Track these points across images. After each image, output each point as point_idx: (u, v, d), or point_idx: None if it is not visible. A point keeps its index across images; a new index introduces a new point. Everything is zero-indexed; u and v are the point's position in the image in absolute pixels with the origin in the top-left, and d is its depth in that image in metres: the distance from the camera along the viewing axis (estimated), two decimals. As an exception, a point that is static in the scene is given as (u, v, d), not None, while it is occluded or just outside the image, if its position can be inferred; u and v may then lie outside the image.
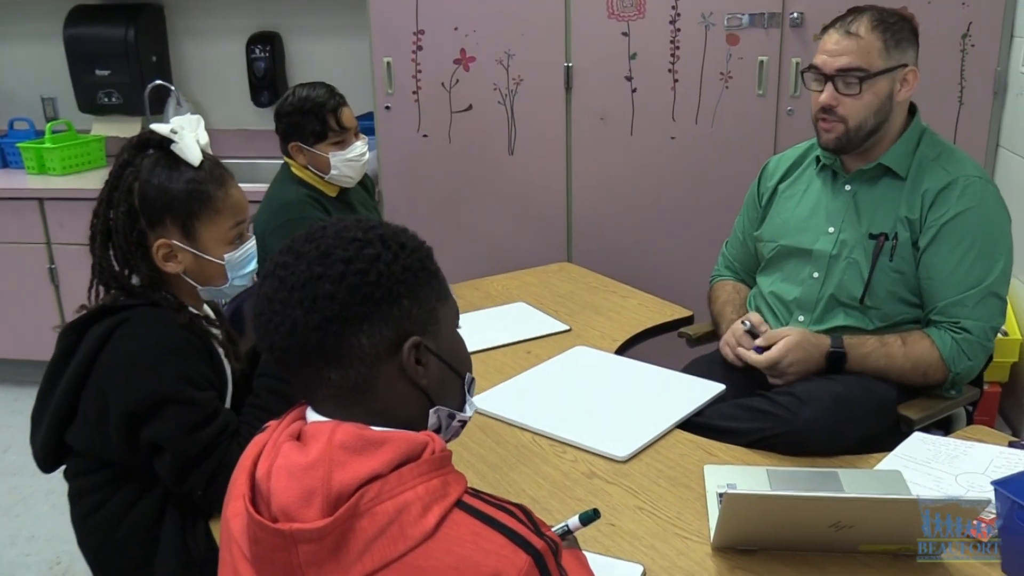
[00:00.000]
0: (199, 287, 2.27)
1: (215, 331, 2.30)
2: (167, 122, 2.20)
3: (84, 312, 2.19)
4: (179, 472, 2.10)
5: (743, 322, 2.72)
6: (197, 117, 2.25)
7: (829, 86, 2.60)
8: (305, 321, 1.36)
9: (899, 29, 2.58)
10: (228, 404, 2.31)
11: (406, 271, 1.40)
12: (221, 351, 2.30)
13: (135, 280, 2.19)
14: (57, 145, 5.20)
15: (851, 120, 2.60)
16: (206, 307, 2.39)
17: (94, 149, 5.37)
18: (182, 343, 2.15)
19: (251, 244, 2.33)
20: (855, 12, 2.61)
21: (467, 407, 1.57)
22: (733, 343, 2.75)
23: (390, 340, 1.39)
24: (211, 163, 2.22)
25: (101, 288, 2.21)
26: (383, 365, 1.40)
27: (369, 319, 1.37)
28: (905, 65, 2.59)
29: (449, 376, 1.50)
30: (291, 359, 1.41)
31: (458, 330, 1.55)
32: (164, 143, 2.17)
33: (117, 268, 2.18)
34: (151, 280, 2.18)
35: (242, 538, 1.38)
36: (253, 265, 2.33)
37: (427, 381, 1.45)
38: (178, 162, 2.17)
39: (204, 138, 2.23)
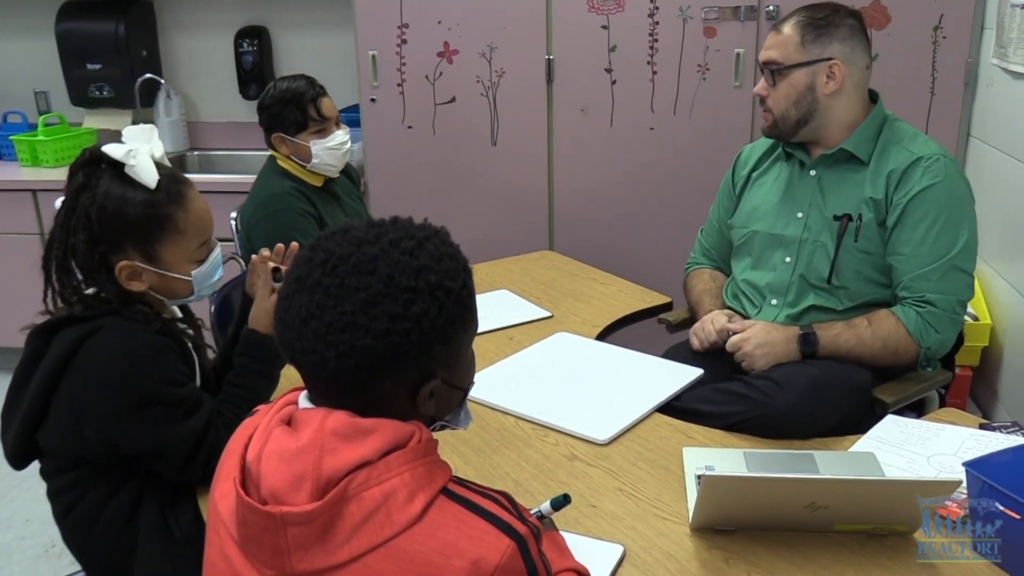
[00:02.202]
0: (166, 300, 2.21)
1: (186, 329, 2.26)
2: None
3: (51, 317, 2.12)
4: (178, 468, 2.08)
5: (729, 332, 2.72)
6: (151, 127, 2.14)
7: (763, 78, 2.72)
8: (336, 365, 1.31)
9: (824, 24, 2.62)
10: None
11: (447, 324, 1.35)
12: (191, 345, 2.26)
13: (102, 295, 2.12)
14: (50, 138, 5.16)
15: (775, 110, 2.71)
16: (175, 308, 2.33)
17: (86, 142, 5.30)
18: (157, 346, 2.08)
19: (216, 254, 2.24)
20: (797, 10, 2.69)
21: (463, 417, 1.55)
22: (703, 337, 2.78)
23: (413, 381, 1.37)
24: (168, 180, 2.11)
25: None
26: (399, 398, 1.38)
27: (399, 368, 1.34)
28: (829, 59, 2.62)
29: (454, 394, 1.49)
30: (308, 376, 1.40)
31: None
32: (118, 163, 2.06)
33: (81, 286, 2.11)
34: (118, 297, 2.09)
35: (230, 520, 1.37)
36: (219, 274, 2.27)
37: (434, 410, 1.45)
38: (134, 183, 2.06)
39: (159, 151, 2.12)
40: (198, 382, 2.27)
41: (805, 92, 2.64)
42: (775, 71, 2.65)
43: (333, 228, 1.41)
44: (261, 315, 2.33)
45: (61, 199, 2.10)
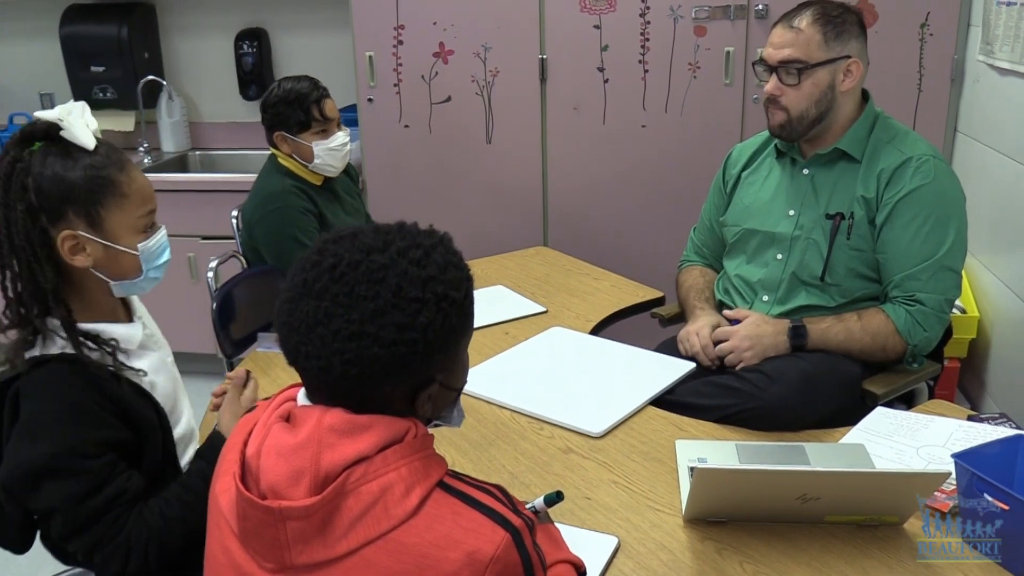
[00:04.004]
0: (112, 282, 1.96)
1: (119, 357, 1.96)
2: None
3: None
4: (62, 537, 1.85)
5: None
6: (82, 104, 1.91)
7: (774, 77, 2.64)
8: (342, 372, 1.30)
9: (841, 22, 2.58)
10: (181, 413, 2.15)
11: (449, 332, 1.36)
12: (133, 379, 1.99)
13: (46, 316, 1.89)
14: (54, 139, 5.12)
15: (792, 110, 2.63)
16: (121, 305, 2.09)
17: (90, 142, 5.30)
18: (78, 407, 1.84)
19: (163, 233, 2.01)
20: (802, 6, 2.63)
21: (456, 415, 1.55)
22: (690, 345, 2.73)
23: (413, 386, 1.37)
24: (107, 147, 1.91)
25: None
26: (398, 402, 1.38)
27: (401, 375, 1.34)
28: (848, 56, 2.59)
29: (449, 396, 1.49)
30: (310, 380, 1.39)
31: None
32: (51, 132, 1.85)
33: (22, 289, 1.87)
34: (55, 286, 1.86)
35: (230, 513, 1.38)
36: (167, 256, 2.03)
37: (431, 412, 1.46)
38: (71, 149, 1.86)
39: (93, 123, 1.91)
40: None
41: (827, 90, 2.60)
42: (801, 70, 2.57)
43: (339, 232, 1.39)
44: (229, 419, 2.05)
45: None
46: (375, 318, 1.29)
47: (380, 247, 1.34)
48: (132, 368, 1.97)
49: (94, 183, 1.86)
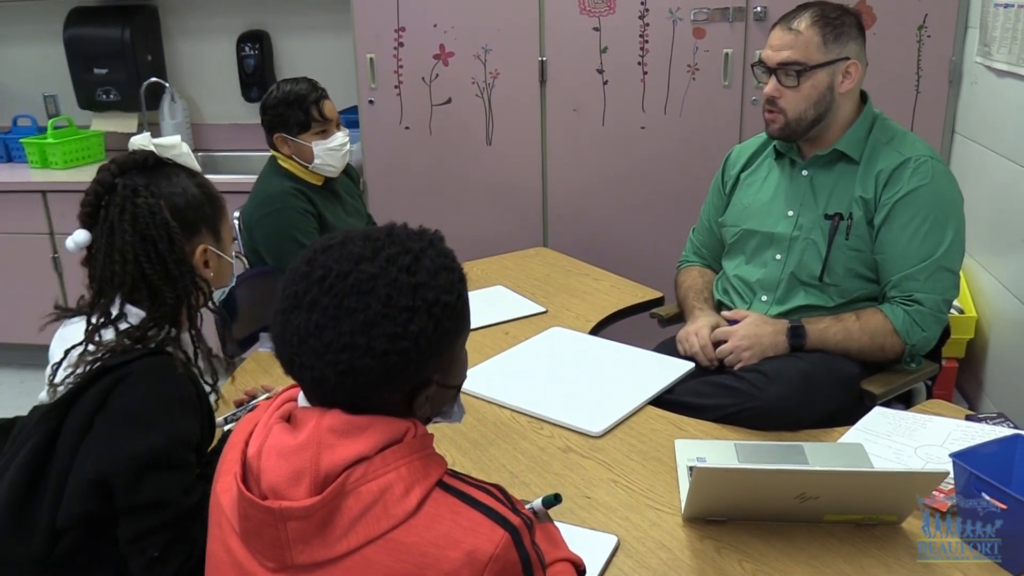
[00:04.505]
0: (215, 290, 2.09)
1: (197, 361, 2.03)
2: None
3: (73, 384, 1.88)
4: (146, 533, 1.79)
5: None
6: (177, 138, 2.05)
7: (773, 79, 2.63)
8: (336, 382, 1.31)
9: (840, 24, 2.57)
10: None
11: (443, 336, 1.35)
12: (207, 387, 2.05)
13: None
14: (59, 140, 5.15)
15: (790, 111, 2.62)
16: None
17: (94, 144, 5.32)
18: (185, 399, 1.88)
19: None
20: (801, 8, 2.61)
21: (456, 410, 1.55)
22: (689, 345, 2.72)
23: (409, 389, 1.38)
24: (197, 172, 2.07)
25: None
26: (396, 404, 1.38)
27: (397, 381, 1.34)
28: (846, 58, 2.58)
29: (448, 394, 1.49)
30: (304, 387, 1.40)
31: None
32: (149, 160, 1.97)
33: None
34: (177, 300, 1.94)
35: (232, 513, 1.38)
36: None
37: (430, 412, 1.46)
38: (174, 173, 1.98)
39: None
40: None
41: (825, 92, 2.59)
42: (800, 72, 2.56)
43: (329, 241, 1.38)
44: None
45: (81, 232, 1.96)
46: (366, 329, 1.29)
47: (369, 256, 1.33)
48: (203, 377, 2.04)
49: (213, 201, 2.04)
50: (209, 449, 2.06)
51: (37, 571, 1.83)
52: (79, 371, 1.88)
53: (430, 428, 1.44)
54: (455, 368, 1.46)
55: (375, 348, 1.29)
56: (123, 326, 1.92)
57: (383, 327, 1.29)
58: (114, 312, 1.93)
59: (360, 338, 1.29)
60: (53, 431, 1.84)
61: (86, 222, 1.97)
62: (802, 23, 2.56)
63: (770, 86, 2.63)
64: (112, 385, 1.82)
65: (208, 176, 2.09)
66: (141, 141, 1.99)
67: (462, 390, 1.55)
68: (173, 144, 2.01)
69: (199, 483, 1.86)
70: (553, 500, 1.71)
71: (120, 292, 1.93)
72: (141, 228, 1.90)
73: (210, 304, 2.09)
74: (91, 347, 1.90)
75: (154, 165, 1.98)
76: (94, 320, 1.93)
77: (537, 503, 1.71)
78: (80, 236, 1.97)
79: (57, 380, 1.92)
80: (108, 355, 1.87)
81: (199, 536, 1.79)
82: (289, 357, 1.34)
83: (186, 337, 2.02)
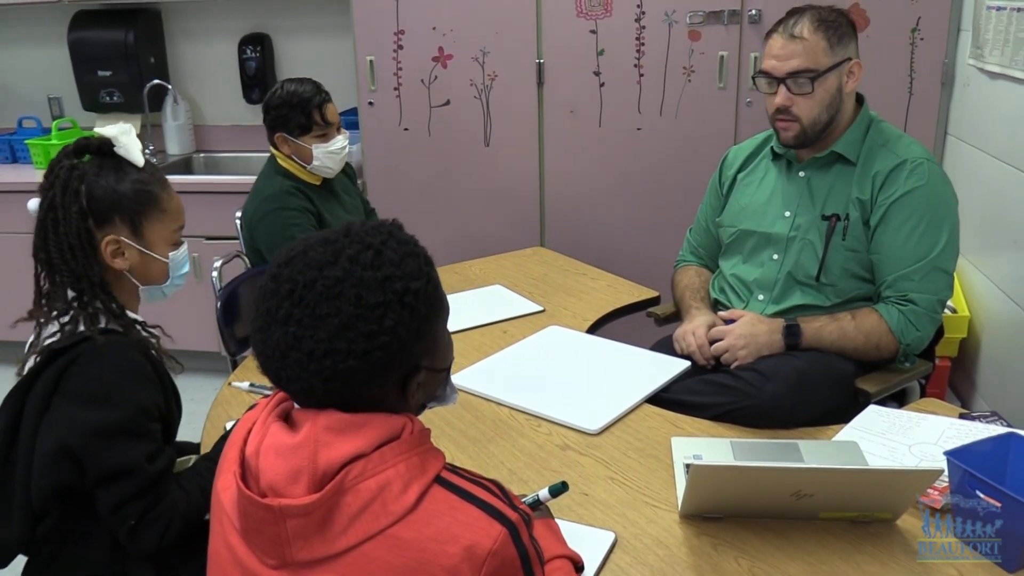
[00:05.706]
0: (140, 286, 2.13)
1: (152, 336, 2.11)
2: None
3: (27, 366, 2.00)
4: (119, 503, 1.90)
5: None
6: (129, 126, 2.10)
7: (782, 88, 2.58)
8: (324, 388, 1.31)
9: (839, 25, 2.56)
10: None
11: (421, 322, 1.35)
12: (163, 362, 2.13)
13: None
14: (63, 141, 5.06)
15: (805, 118, 2.59)
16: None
17: (97, 145, 5.30)
18: (141, 372, 1.97)
19: (185, 248, 2.20)
20: (795, 14, 2.58)
21: (449, 392, 1.55)
22: (686, 344, 2.71)
23: (400, 379, 1.38)
24: (152, 167, 2.11)
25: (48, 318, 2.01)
26: (389, 396, 1.38)
27: (385, 375, 1.34)
28: (849, 59, 2.57)
29: (438, 377, 1.49)
30: (295, 398, 1.40)
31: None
32: (104, 147, 2.05)
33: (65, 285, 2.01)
34: (101, 279, 2.01)
35: (232, 510, 1.38)
36: (187, 267, 2.22)
37: (423, 398, 1.46)
38: (122, 164, 2.05)
39: (138, 145, 2.10)
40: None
41: (835, 94, 2.57)
42: (814, 78, 2.53)
43: (290, 252, 1.37)
44: None
45: (36, 200, 2.07)
46: (342, 332, 1.29)
47: (331, 259, 1.33)
48: (171, 356, 2.14)
49: (140, 196, 2.06)
50: (211, 447, 2.16)
51: (25, 553, 1.99)
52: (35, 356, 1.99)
53: (426, 418, 1.44)
54: (440, 350, 1.46)
55: (356, 349, 1.29)
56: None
57: (359, 327, 1.29)
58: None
59: (339, 342, 1.28)
60: (15, 416, 1.97)
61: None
62: (804, 29, 2.53)
63: (780, 96, 2.59)
64: (65, 366, 1.93)
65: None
66: (107, 131, 2.06)
67: (461, 389, 1.54)
68: (117, 132, 2.05)
69: (164, 451, 1.98)
70: (561, 488, 1.74)
71: (40, 262, 2.05)
72: (56, 202, 1.99)
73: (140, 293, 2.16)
74: (44, 331, 2.01)
75: (107, 153, 2.06)
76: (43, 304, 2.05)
77: (544, 492, 1.72)
78: (32, 203, 2.08)
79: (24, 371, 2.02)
80: (58, 337, 1.97)
81: (177, 501, 1.94)
82: (275, 372, 1.34)
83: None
